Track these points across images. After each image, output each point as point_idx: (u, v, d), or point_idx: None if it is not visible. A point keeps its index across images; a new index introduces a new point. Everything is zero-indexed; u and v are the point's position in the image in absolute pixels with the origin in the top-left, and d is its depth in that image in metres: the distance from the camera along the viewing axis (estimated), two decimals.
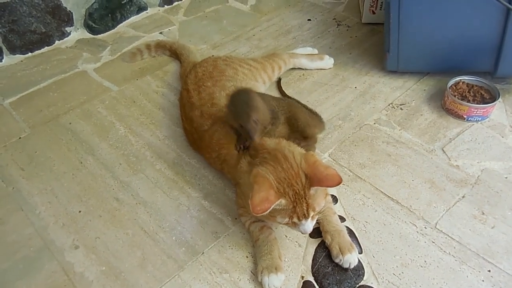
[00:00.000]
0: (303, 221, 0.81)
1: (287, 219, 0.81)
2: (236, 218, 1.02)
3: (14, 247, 1.00)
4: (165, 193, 1.10)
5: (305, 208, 0.79)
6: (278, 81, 1.40)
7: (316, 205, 0.81)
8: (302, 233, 0.88)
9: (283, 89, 1.37)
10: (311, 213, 0.81)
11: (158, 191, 1.10)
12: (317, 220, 0.86)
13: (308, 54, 1.50)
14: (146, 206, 1.07)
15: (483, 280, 0.88)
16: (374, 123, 1.26)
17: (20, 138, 1.29)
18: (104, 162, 1.19)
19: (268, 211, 0.77)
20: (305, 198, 0.79)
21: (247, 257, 0.95)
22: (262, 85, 1.33)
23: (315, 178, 0.80)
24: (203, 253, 0.96)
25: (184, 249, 0.97)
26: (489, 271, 0.89)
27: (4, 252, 0.98)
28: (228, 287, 0.89)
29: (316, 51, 1.53)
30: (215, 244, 0.98)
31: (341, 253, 0.89)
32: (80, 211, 1.07)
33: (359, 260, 0.91)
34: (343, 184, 1.09)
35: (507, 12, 1.15)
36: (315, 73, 1.47)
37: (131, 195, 1.10)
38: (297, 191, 0.79)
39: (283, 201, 0.79)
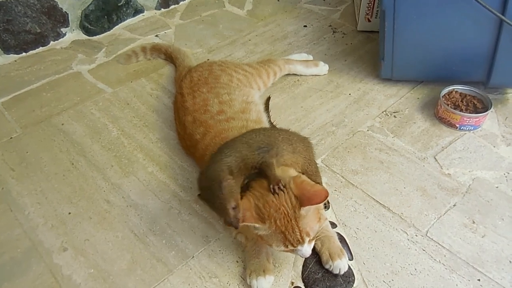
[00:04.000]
0: (299, 247, 0.79)
1: (282, 247, 0.80)
2: None
3: (1, 248, 0.98)
4: (156, 196, 1.09)
5: (298, 234, 0.78)
6: (267, 100, 1.36)
7: (309, 229, 0.79)
8: (301, 257, 0.88)
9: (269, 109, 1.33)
10: (306, 238, 0.79)
11: (150, 194, 1.10)
12: None
13: (303, 60, 1.50)
14: (137, 209, 1.06)
15: None
16: (368, 130, 1.26)
17: (11, 138, 1.28)
18: (95, 164, 1.18)
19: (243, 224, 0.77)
20: (296, 221, 0.78)
21: (237, 261, 0.94)
22: (257, 91, 1.33)
23: (304, 198, 0.78)
24: (193, 257, 0.96)
25: (174, 253, 0.96)
26: (479, 280, 0.90)
27: None
28: None
29: (311, 58, 1.54)
30: (206, 248, 0.97)
31: (331, 259, 0.89)
32: (69, 213, 1.06)
33: (349, 267, 0.91)
34: (335, 190, 1.09)
35: (500, 22, 1.16)
36: (309, 79, 1.48)
37: (122, 197, 1.09)
38: (286, 213, 0.77)
39: (257, 225, 0.78)
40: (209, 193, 0.80)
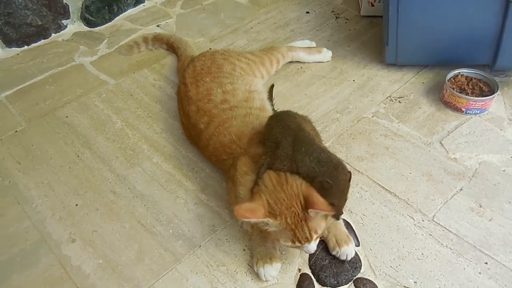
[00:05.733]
0: (306, 244, 0.80)
1: (290, 243, 0.80)
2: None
3: (11, 240, 0.99)
4: (162, 186, 1.09)
5: (307, 232, 0.78)
6: (271, 87, 1.35)
7: (317, 227, 0.80)
8: (306, 253, 0.89)
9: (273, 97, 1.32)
10: (314, 236, 0.80)
11: (155, 184, 1.10)
12: None
13: (306, 47, 1.49)
14: (143, 200, 1.07)
15: (480, 272, 0.88)
16: (372, 116, 1.25)
17: (16, 131, 1.28)
18: (101, 156, 1.19)
19: (250, 221, 0.77)
20: (305, 221, 0.78)
21: (244, 250, 0.95)
22: (260, 79, 1.32)
23: (309, 201, 0.78)
24: (200, 246, 0.96)
25: (181, 242, 0.97)
26: (486, 263, 0.89)
27: (1, 246, 0.98)
28: (225, 280, 0.89)
29: (314, 44, 1.52)
30: (212, 237, 0.97)
31: (338, 245, 0.89)
32: (77, 205, 1.06)
33: (356, 253, 0.91)
34: None
35: (506, 4, 1.14)
36: (313, 66, 1.46)
37: (128, 188, 1.10)
38: (296, 212, 0.78)
39: (271, 220, 0.78)
40: (336, 175, 0.79)
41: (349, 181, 0.80)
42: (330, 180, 0.78)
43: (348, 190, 0.80)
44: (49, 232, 1.01)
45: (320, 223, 0.80)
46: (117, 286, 0.90)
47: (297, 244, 0.80)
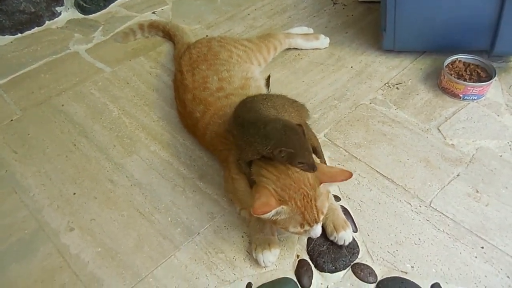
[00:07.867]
0: (314, 226, 0.80)
1: (298, 228, 0.80)
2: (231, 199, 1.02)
3: (9, 230, 0.99)
4: (160, 175, 1.09)
5: (315, 213, 0.79)
6: (267, 78, 1.32)
7: (323, 208, 0.81)
8: (313, 238, 0.88)
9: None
10: (321, 217, 0.80)
11: (153, 173, 1.10)
12: None
13: (304, 34, 1.48)
14: (141, 188, 1.07)
15: (476, 257, 0.89)
16: (370, 103, 1.25)
17: (11, 120, 1.27)
18: (98, 144, 1.18)
19: (269, 214, 0.77)
20: (314, 201, 0.78)
21: (242, 236, 0.95)
22: (258, 66, 1.31)
23: (324, 177, 0.80)
24: (198, 233, 0.96)
25: (180, 230, 0.97)
26: (482, 247, 0.90)
27: None
28: (224, 267, 0.90)
29: (311, 31, 1.51)
30: (211, 225, 0.98)
31: (336, 231, 0.90)
32: (74, 193, 1.06)
33: (354, 239, 0.92)
34: (338, 164, 1.08)
35: None
36: (310, 53, 1.45)
37: (126, 176, 1.09)
38: (306, 193, 0.78)
39: (284, 207, 0.78)
40: (288, 139, 0.79)
41: (303, 133, 0.81)
42: (286, 147, 0.77)
43: (306, 141, 0.80)
44: (47, 221, 1.01)
45: (324, 203, 0.81)
46: (116, 274, 0.90)
47: (306, 227, 0.80)
